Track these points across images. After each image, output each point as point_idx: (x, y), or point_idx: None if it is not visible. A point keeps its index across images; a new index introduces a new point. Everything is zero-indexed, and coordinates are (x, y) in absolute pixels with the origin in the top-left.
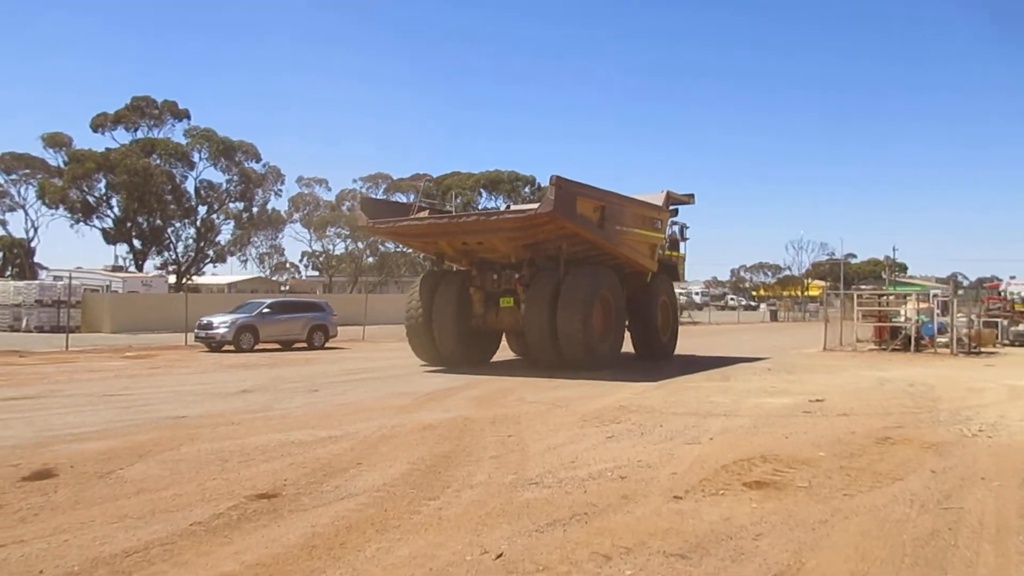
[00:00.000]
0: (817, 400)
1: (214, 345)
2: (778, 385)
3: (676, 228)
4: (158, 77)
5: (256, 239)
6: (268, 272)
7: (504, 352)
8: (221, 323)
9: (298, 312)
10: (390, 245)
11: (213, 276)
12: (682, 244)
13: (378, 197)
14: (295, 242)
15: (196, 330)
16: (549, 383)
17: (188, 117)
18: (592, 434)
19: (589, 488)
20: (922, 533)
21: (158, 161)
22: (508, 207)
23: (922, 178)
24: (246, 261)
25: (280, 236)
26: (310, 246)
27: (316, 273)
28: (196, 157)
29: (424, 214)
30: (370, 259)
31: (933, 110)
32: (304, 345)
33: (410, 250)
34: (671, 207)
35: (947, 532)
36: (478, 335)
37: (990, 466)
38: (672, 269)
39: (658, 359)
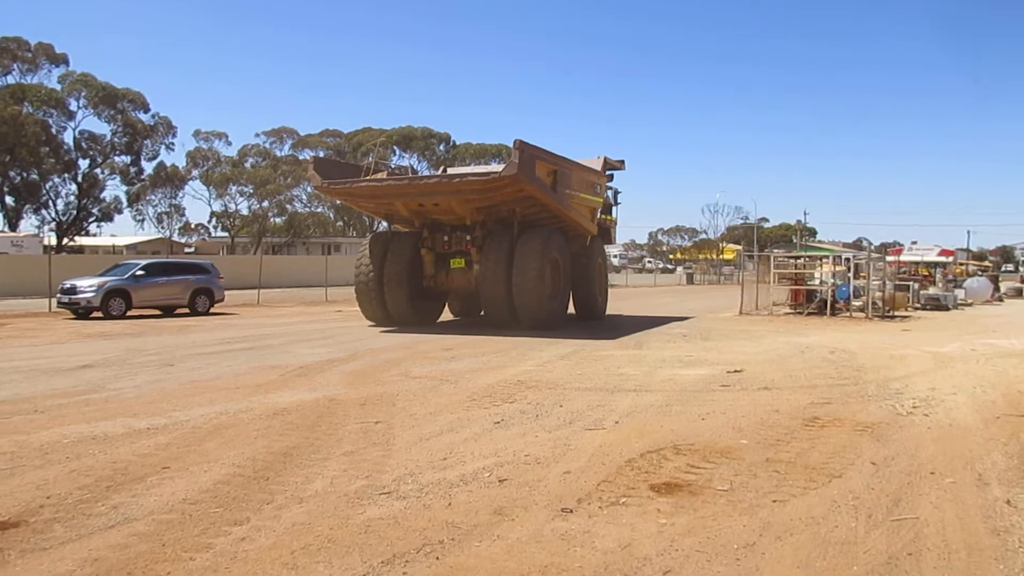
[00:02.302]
0: (736, 371)
1: (81, 312)
2: (694, 353)
3: (609, 193)
4: (37, 19)
5: (153, 197)
6: (173, 233)
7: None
8: (87, 287)
9: (178, 274)
10: (298, 205)
11: (112, 237)
12: (614, 208)
13: (331, 158)
14: (194, 201)
15: (59, 295)
16: (445, 352)
17: (66, 62)
18: (478, 419)
19: (456, 498)
20: (877, 561)
21: (30, 109)
22: (444, 170)
23: (831, 146)
24: (143, 221)
25: (180, 195)
26: (210, 204)
27: (226, 234)
28: (74, 105)
29: (383, 175)
30: (277, 219)
31: (840, 83)
32: (187, 311)
33: (311, 208)
34: (607, 172)
35: (907, 559)
36: (426, 296)
37: (936, 455)
38: (606, 233)
39: (595, 319)
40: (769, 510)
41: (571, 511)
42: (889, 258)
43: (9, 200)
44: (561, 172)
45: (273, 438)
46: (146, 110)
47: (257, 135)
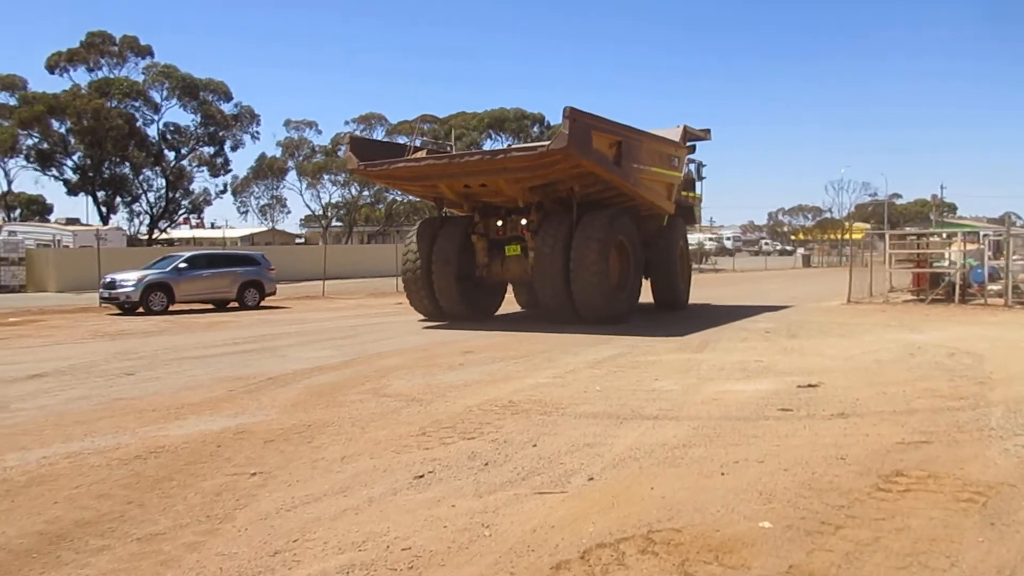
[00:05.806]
0: (810, 385)
1: (127, 306)
2: (766, 357)
3: (692, 166)
4: (125, 12)
5: (256, 188)
6: (278, 223)
7: (509, 305)
8: (126, 281)
9: (225, 266)
10: (394, 192)
11: (232, 229)
12: (698, 184)
13: (370, 137)
14: (287, 191)
15: (100, 290)
16: (459, 357)
17: (151, 54)
18: (398, 468)
19: None
20: None
21: (115, 102)
22: (510, 147)
23: (971, 114)
24: (246, 212)
25: (281, 186)
26: (301, 195)
27: (339, 224)
28: (158, 97)
29: (422, 154)
30: (380, 206)
31: (980, 42)
32: (236, 305)
33: (405, 195)
34: (688, 143)
35: None
36: (481, 287)
37: None
38: (688, 211)
39: (676, 310)
40: None
41: None
42: None
43: (101, 194)
44: (627, 143)
45: (80, 504)
46: (229, 99)
47: (347, 123)
